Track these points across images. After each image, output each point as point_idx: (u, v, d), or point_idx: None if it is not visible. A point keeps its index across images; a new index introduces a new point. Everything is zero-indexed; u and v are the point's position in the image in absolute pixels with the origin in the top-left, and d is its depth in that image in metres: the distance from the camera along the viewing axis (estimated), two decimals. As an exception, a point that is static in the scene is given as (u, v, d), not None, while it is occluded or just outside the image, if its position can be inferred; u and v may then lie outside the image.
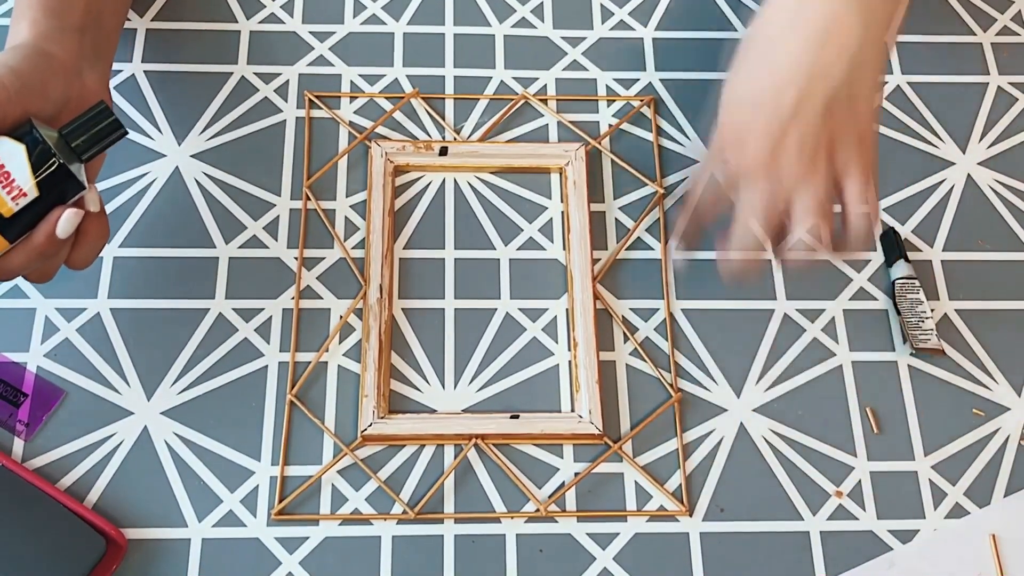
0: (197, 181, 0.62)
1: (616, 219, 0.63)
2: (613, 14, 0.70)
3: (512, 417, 0.56)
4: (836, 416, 0.58)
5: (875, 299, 0.61)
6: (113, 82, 0.65)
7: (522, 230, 0.62)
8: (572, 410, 0.57)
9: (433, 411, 0.57)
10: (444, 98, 0.66)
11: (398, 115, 0.65)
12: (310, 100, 0.65)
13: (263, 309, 0.59)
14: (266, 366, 0.58)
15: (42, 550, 0.50)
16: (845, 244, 0.51)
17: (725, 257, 0.52)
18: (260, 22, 0.68)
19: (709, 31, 0.70)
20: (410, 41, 0.68)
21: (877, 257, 0.63)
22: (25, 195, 0.45)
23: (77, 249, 0.49)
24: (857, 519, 0.56)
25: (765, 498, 0.56)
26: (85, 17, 0.52)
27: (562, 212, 0.63)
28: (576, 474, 0.56)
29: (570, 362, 0.59)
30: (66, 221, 0.46)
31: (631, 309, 0.60)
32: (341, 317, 0.59)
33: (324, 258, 0.61)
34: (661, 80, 0.67)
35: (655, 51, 0.69)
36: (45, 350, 0.57)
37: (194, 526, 0.54)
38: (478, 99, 0.66)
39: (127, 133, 0.48)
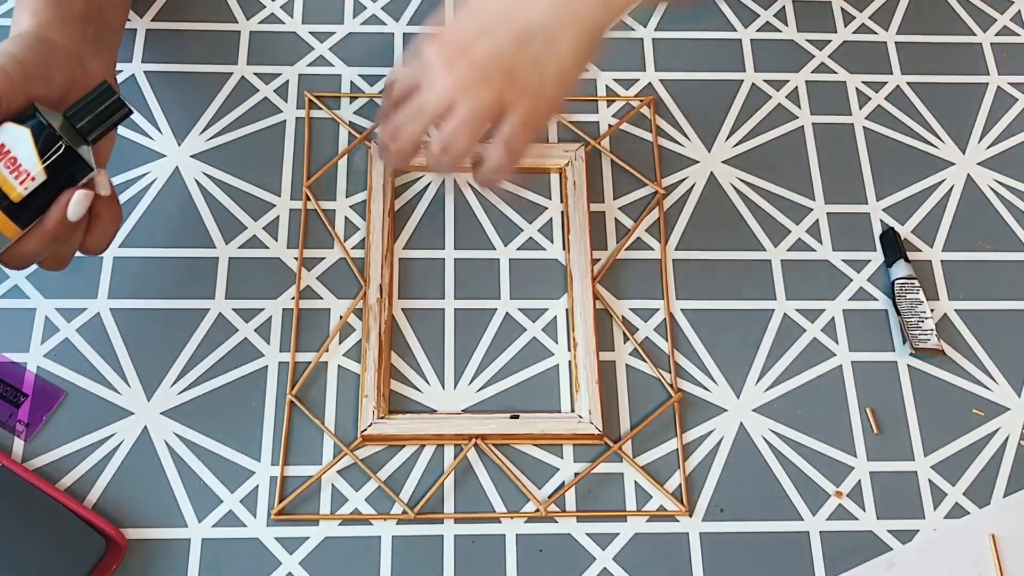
0: (197, 181, 0.62)
1: (616, 219, 0.63)
2: (613, 14, 0.70)
3: (512, 417, 0.56)
4: (836, 416, 0.58)
5: (875, 299, 0.61)
6: (113, 82, 0.65)
7: (522, 230, 0.62)
8: (572, 410, 0.57)
9: (433, 411, 0.57)
10: (444, 98, 0.66)
11: (398, 115, 0.65)
12: (310, 100, 0.65)
13: (263, 309, 0.59)
14: (266, 366, 0.58)
15: (42, 550, 0.50)
16: (478, 175, 0.53)
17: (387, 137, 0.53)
18: (260, 22, 0.68)
19: (709, 31, 0.70)
20: (410, 41, 0.68)
21: (877, 257, 0.63)
22: (33, 179, 0.45)
23: (91, 233, 0.49)
24: (857, 519, 0.56)
25: (765, 498, 0.56)
26: (87, 6, 0.52)
27: (562, 212, 0.63)
28: (576, 474, 0.56)
29: (570, 362, 0.59)
30: (76, 203, 0.46)
31: (631, 309, 0.60)
32: (341, 317, 0.59)
33: (324, 258, 0.61)
34: (661, 80, 0.67)
35: (655, 51, 0.69)
36: (45, 350, 0.57)
37: (194, 526, 0.54)
38: (478, 99, 0.66)
39: (132, 112, 0.48)
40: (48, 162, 0.45)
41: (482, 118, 0.50)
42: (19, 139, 0.45)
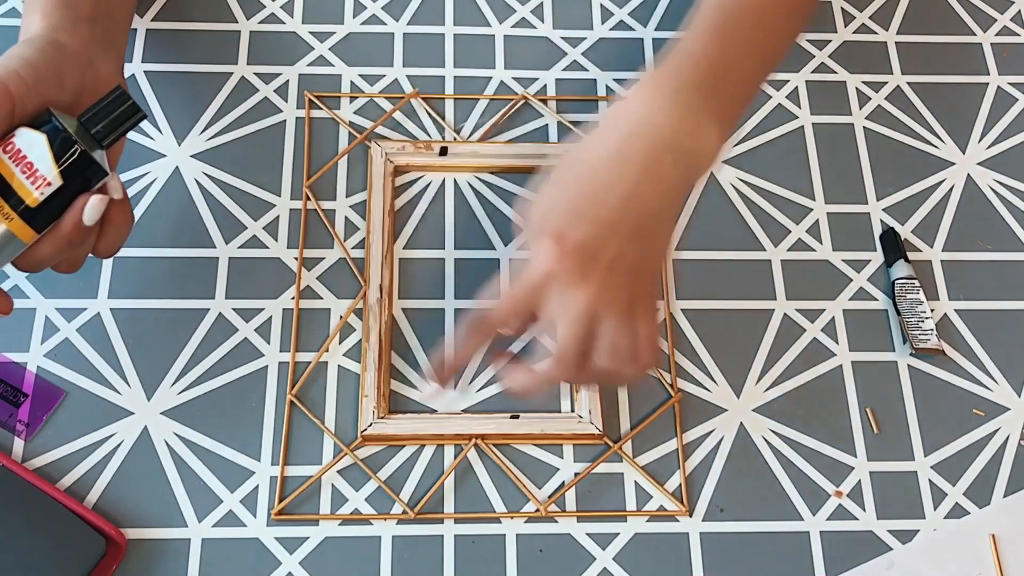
0: (197, 181, 0.62)
1: (616, 219, 0.63)
2: (613, 14, 0.70)
3: (512, 417, 0.56)
4: (836, 416, 0.58)
5: (875, 299, 0.61)
6: (113, 82, 0.65)
7: (522, 230, 0.62)
8: (572, 410, 0.57)
9: (433, 411, 0.57)
10: (444, 98, 0.66)
11: (398, 115, 0.65)
12: (310, 100, 0.65)
13: (263, 309, 0.59)
14: (266, 366, 0.58)
15: (42, 550, 0.50)
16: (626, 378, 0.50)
17: (524, 373, 0.50)
18: (260, 22, 0.68)
19: (709, 31, 0.69)
20: (410, 41, 0.68)
21: (877, 257, 0.63)
22: (50, 184, 0.45)
23: (103, 237, 0.49)
24: (857, 519, 0.56)
25: (765, 498, 0.56)
26: (95, 7, 0.52)
27: (562, 212, 0.63)
28: (576, 474, 0.56)
29: (570, 362, 0.59)
30: (92, 208, 0.46)
31: (631, 309, 0.60)
32: (341, 317, 0.59)
33: (324, 258, 0.61)
34: (661, 80, 0.67)
35: (655, 51, 0.68)
36: (45, 350, 0.57)
37: (194, 526, 0.54)
38: (478, 99, 0.66)
39: (145, 116, 0.48)
40: (64, 167, 0.45)
41: (631, 318, 0.48)
42: (35, 144, 0.45)
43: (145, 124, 0.64)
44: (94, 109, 0.47)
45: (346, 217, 0.62)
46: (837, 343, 0.60)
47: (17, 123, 0.46)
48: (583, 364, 0.48)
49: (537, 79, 0.67)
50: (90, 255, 0.50)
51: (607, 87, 0.67)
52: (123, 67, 0.54)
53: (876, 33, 0.70)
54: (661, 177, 0.48)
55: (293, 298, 0.59)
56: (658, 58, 0.50)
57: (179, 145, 0.63)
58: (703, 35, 0.51)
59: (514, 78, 0.67)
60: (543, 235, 0.47)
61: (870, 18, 0.71)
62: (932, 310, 0.61)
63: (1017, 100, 0.69)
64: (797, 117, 0.67)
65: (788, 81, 0.68)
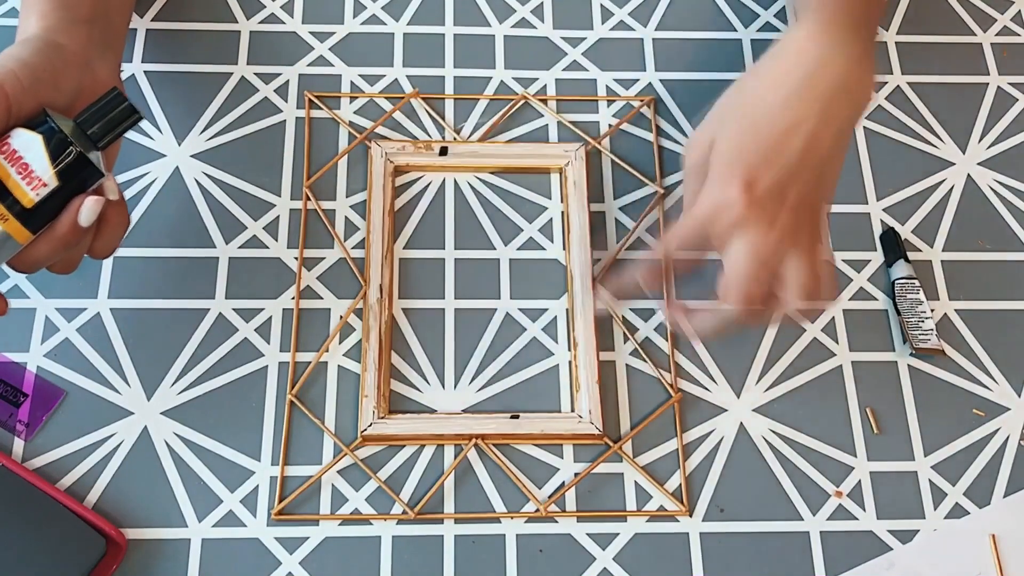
0: (197, 181, 0.62)
1: (616, 219, 0.63)
2: (613, 14, 0.70)
3: (512, 417, 0.56)
4: (836, 416, 0.58)
5: (875, 299, 0.61)
6: (113, 82, 0.65)
7: (522, 230, 0.62)
8: (572, 410, 0.57)
9: (433, 411, 0.57)
10: (444, 98, 0.66)
11: (398, 115, 0.65)
12: (310, 100, 0.65)
13: (263, 309, 0.59)
14: (266, 366, 0.58)
15: (42, 550, 0.50)
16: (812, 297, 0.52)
17: (714, 310, 0.52)
18: (260, 22, 0.68)
19: (709, 31, 0.70)
20: (410, 41, 0.68)
21: (877, 257, 0.63)
22: (45, 185, 0.45)
23: (99, 238, 0.49)
24: (857, 519, 0.56)
25: (765, 498, 0.56)
26: (93, 9, 0.52)
27: (562, 212, 0.63)
28: (576, 474, 0.56)
29: (570, 362, 0.59)
30: (88, 209, 0.46)
31: (631, 309, 0.60)
32: (341, 317, 0.59)
33: (324, 258, 0.61)
34: (661, 80, 0.67)
35: (655, 51, 0.69)
36: (45, 350, 0.57)
37: (194, 526, 0.54)
38: (478, 99, 0.66)
39: (142, 118, 0.48)
40: (59, 168, 0.45)
41: (814, 256, 0.50)
42: (31, 145, 0.45)
43: (145, 124, 0.64)
44: (90, 110, 0.47)
45: (346, 217, 0.62)
46: (837, 343, 0.60)
47: (13, 124, 0.46)
48: (767, 302, 0.50)
49: (537, 79, 0.67)
50: (85, 256, 0.50)
51: (607, 87, 0.67)
52: (120, 69, 0.54)
53: (876, 33, 0.70)
54: (838, 118, 0.50)
55: (293, 298, 0.59)
56: (801, 9, 0.53)
57: (179, 145, 0.63)
58: None
59: (514, 78, 0.67)
60: (732, 179, 0.49)
61: (870, 18, 0.71)
62: (932, 310, 0.61)
63: (1017, 100, 0.69)
64: (797, 117, 0.67)
65: (788, 81, 0.68)
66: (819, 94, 0.50)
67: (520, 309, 0.60)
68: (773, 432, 0.58)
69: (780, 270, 0.49)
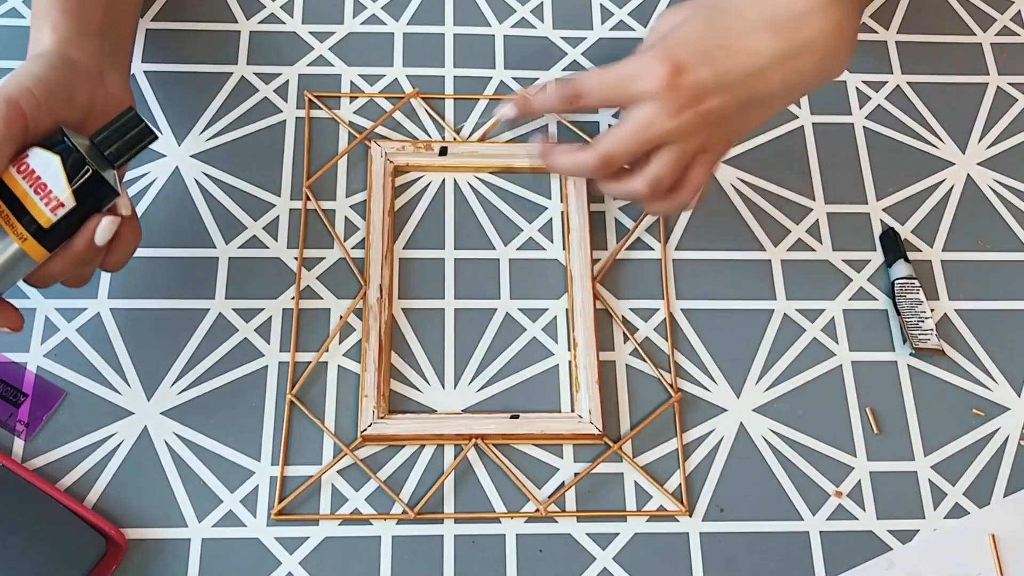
0: (197, 181, 0.62)
1: (616, 219, 0.63)
2: (613, 14, 0.70)
3: (512, 417, 0.56)
4: (836, 416, 0.58)
5: (875, 299, 0.61)
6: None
7: (522, 230, 0.62)
8: (572, 410, 0.57)
9: (433, 411, 0.57)
10: (444, 98, 0.66)
11: (398, 115, 0.65)
12: (310, 100, 0.65)
13: (263, 309, 0.59)
14: (266, 366, 0.58)
15: (42, 550, 0.50)
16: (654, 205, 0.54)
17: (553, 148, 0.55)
18: (260, 22, 0.68)
19: (709, 31, 0.69)
20: (410, 41, 0.68)
21: (877, 257, 0.63)
22: (63, 205, 0.46)
23: (112, 253, 0.50)
24: (857, 519, 0.56)
25: (765, 498, 0.56)
26: (104, 20, 0.53)
27: (562, 212, 0.63)
28: (576, 474, 0.56)
29: (570, 362, 0.59)
30: (104, 229, 0.47)
31: (631, 309, 0.60)
32: (341, 317, 0.59)
33: (324, 258, 0.61)
34: (661, 80, 0.67)
35: (655, 51, 0.68)
36: (45, 350, 0.57)
37: (194, 526, 0.54)
38: (478, 99, 0.66)
39: (157, 137, 0.49)
40: (76, 188, 0.46)
41: (688, 162, 0.52)
42: (49, 165, 0.46)
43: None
44: (107, 130, 0.48)
45: (346, 217, 0.62)
46: (837, 343, 0.60)
47: (30, 142, 0.46)
48: (622, 172, 0.52)
49: (537, 79, 0.67)
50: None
51: (607, 87, 0.67)
52: (129, 80, 0.54)
53: (876, 32, 0.70)
54: (802, 69, 0.50)
55: (293, 298, 0.59)
56: None
57: (179, 145, 0.63)
58: None
59: (514, 78, 0.67)
60: (666, 59, 0.49)
61: (870, 17, 0.71)
62: (932, 310, 0.61)
63: (1017, 100, 0.69)
64: (797, 117, 0.67)
65: (788, 81, 0.68)
66: (797, 39, 0.49)
67: (520, 309, 0.60)
68: (773, 432, 0.58)
69: (653, 156, 0.51)
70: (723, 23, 0.50)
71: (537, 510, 0.55)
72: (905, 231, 0.63)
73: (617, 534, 0.55)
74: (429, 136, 0.64)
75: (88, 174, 0.46)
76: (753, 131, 0.54)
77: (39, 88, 0.46)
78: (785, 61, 0.49)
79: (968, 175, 0.66)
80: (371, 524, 0.54)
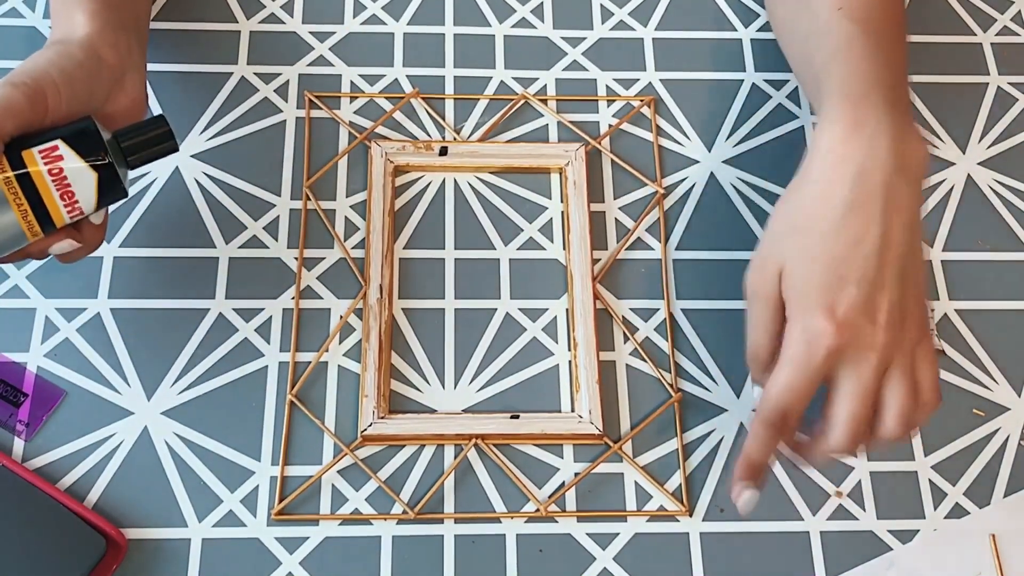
0: (197, 181, 0.62)
1: (616, 219, 0.63)
2: (613, 14, 0.70)
3: (512, 417, 0.56)
4: (836, 416, 0.58)
5: (875, 299, 0.61)
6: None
7: (522, 230, 0.62)
8: (572, 410, 0.57)
9: (433, 411, 0.57)
10: (444, 98, 0.66)
11: (398, 115, 0.65)
12: (310, 100, 0.65)
13: (263, 309, 0.59)
14: (266, 366, 0.58)
15: (42, 550, 0.50)
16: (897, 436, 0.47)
17: (811, 450, 0.48)
18: (260, 22, 0.68)
19: (709, 31, 0.70)
20: (410, 41, 0.68)
21: (877, 257, 0.63)
22: (82, 213, 0.47)
23: (65, 257, 0.50)
24: (857, 519, 0.56)
25: (765, 498, 0.56)
26: (129, 15, 0.53)
27: (562, 212, 0.63)
28: (576, 474, 0.56)
29: (570, 362, 0.59)
30: (60, 248, 0.49)
31: (631, 309, 0.60)
32: (341, 317, 0.59)
33: (324, 258, 0.61)
34: (661, 80, 0.67)
35: (655, 51, 0.69)
36: (45, 350, 0.57)
37: (194, 526, 0.54)
38: (478, 99, 0.66)
39: (177, 149, 0.50)
40: (101, 202, 0.48)
41: (912, 373, 0.47)
42: (83, 179, 0.46)
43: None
44: (137, 136, 0.49)
45: (346, 217, 0.62)
46: (837, 343, 0.60)
47: (43, 129, 0.46)
48: (874, 427, 0.47)
49: (537, 79, 0.67)
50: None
51: (607, 87, 0.67)
52: (145, 81, 0.54)
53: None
54: (902, 206, 0.47)
55: (293, 298, 0.59)
56: (831, 87, 0.50)
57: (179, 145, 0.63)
58: (862, 56, 0.51)
59: (514, 78, 0.67)
60: (813, 309, 0.46)
61: (870, 18, 0.71)
62: (932, 310, 0.61)
63: (1017, 100, 0.69)
64: (797, 117, 0.67)
65: (788, 81, 0.68)
66: (873, 194, 0.46)
67: (520, 309, 0.60)
68: (773, 432, 0.58)
69: (882, 393, 0.46)
70: (816, 241, 0.47)
71: (537, 510, 0.55)
72: (905, 231, 0.63)
73: (617, 534, 0.55)
74: (429, 136, 0.64)
75: (120, 194, 0.47)
76: (925, 274, 0.49)
77: (65, 87, 0.46)
78: (890, 210, 0.46)
79: (968, 175, 0.66)
80: (371, 524, 0.54)
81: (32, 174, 0.45)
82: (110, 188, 0.47)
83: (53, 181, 0.45)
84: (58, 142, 0.46)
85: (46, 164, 0.45)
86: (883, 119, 0.48)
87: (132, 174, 0.62)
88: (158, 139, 0.49)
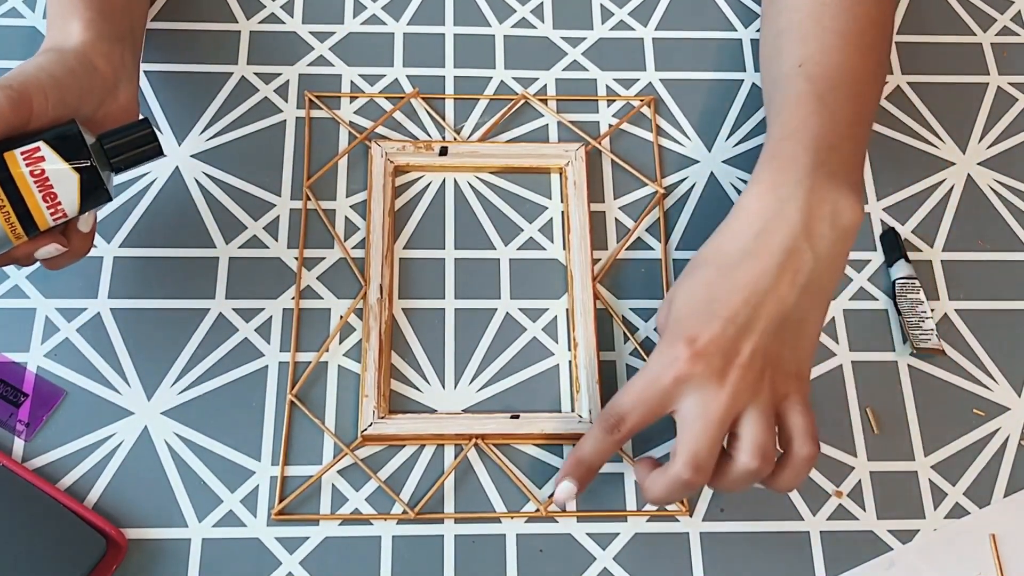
0: (197, 181, 0.62)
1: (616, 219, 0.63)
2: (613, 14, 0.70)
3: (512, 417, 0.56)
4: (836, 416, 0.58)
5: (875, 299, 0.61)
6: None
7: (522, 230, 0.62)
8: (572, 410, 0.57)
9: (433, 411, 0.57)
10: (444, 98, 0.66)
11: (398, 115, 0.65)
12: (310, 100, 0.65)
13: (263, 309, 0.59)
14: (266, 366, 0.58)
15: (42, 550, 0.50)
16: (778, 482, 0.49)
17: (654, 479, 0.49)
18: (260, 22, 0.68)
19: (709, 31, 0.70)
20: (410, 41, 0.68)
21: (877, 257, 0.63)
22: (66, 216, 0.47)
23: (51, 263, 0.50)
24: (857, 519, 0.56)
25: (765, 498, 0.56)
26: (125, 25, 0.52)
27: (562, 212, 0.63)
28: (576, 474, 0.56)
29: (570, 362, 0.59)
30: (45, 252, 0.49)
31: (631, 309, 0.60)
32: (341, 317, 0.59)
33: (324, 258, 0.61)
34: (661, 80, 0.67)
35: (655, 51, 0.69)
36: (45, 350, 0.57)
37: (194, 526, 0.54)
38: (478, 99, 0.66)
39: (165, 156, 0.51)
40: (84, 204, 0.47)
41: (772, 416, 0.48)
42: (65, 181, 0.46)
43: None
44: (120, 139, 0.48)
45: (346, 217, 0.62)
46: (837, 343, 0.60)
47: (24, 134, 0.46)
48: (722, 467, 0.48)
49: (537, 79, 0.67)
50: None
51: (607, 87, 0.67)
52: (138, 92, 0.54)
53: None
54: (800, 269, 0.48)
55: (293, 298, 0.59)
56: (767, 144, 0.51)
57: (179, 145, 0.63)
58: (805, 116, 0.51)
59: (514, 78, 0.67)
60: (675, 337, 0.47)
61: (870, 18, 0.71)
62: (932, 310, 0.61)
63: (1017, 100, 0.69)
64: (797, 117, 0.67)
65: (788, 81, 0.68)
66: (772, 252, 0.48)
67: (520, 309, 0.60)
68: (773, 432, 0.58)
69: (735, 430, 0.47)
70: (708, 279, 0.48)
71: (537, 510, 0.55)
72: (905, 231, 0.63)
73: (617, 534, 0.55)
74: (429, 136, 0.64)
75: (103, 197, 0.47)
76: (815, 338, 0.49)
77: (53, 92, 0.46)
78: (783, 269, 0.48)
79: (968, 175, 0.66)
80: (371, 524, 0.54)
81: (14, 176, 0.45)
82: (93, 190, 0.47)
83: (35, 183, 0.45)
84: (40, 144, 0.45)
85: (28, 166, 0.45)
86: (803, 183, 0.49)
87: (131, 175, 0.62)
88: (141, 141, 0.49)
